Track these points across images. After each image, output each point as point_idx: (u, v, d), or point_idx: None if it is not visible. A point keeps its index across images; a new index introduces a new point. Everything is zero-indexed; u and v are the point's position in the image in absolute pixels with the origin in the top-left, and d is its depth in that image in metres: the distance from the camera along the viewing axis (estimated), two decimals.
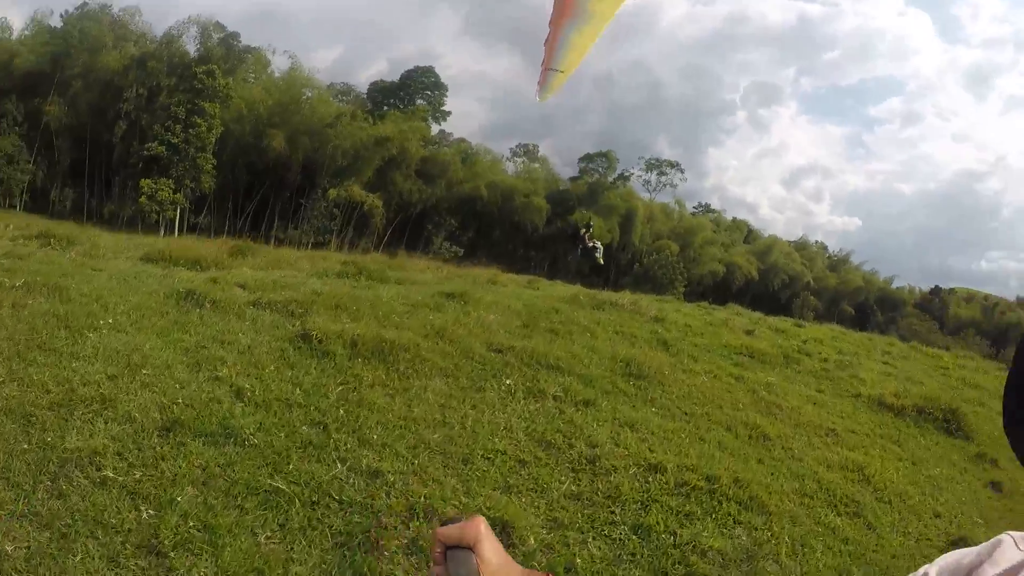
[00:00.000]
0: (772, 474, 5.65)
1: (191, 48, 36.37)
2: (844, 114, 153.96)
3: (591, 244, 21.36)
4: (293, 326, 6.70)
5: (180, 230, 34.62)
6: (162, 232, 32.36)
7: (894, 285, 64.54)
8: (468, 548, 0.88)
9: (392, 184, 41.01)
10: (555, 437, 5.21)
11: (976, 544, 0.79)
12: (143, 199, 32.14)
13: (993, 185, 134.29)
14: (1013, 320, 59.40)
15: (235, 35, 38.48)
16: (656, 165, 57.34)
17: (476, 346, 6.98)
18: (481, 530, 0.88)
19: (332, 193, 38.39)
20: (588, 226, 23.66)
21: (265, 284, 8.67)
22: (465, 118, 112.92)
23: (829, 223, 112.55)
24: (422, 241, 44.43)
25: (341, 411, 4.93)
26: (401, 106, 48.04)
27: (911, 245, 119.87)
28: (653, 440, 5.62)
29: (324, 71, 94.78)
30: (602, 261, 19.69)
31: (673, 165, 57.76)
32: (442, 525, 0.91)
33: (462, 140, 52.86)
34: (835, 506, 5.39)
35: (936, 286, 67.43)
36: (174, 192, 33.26)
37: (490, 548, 0.88)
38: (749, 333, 12.00)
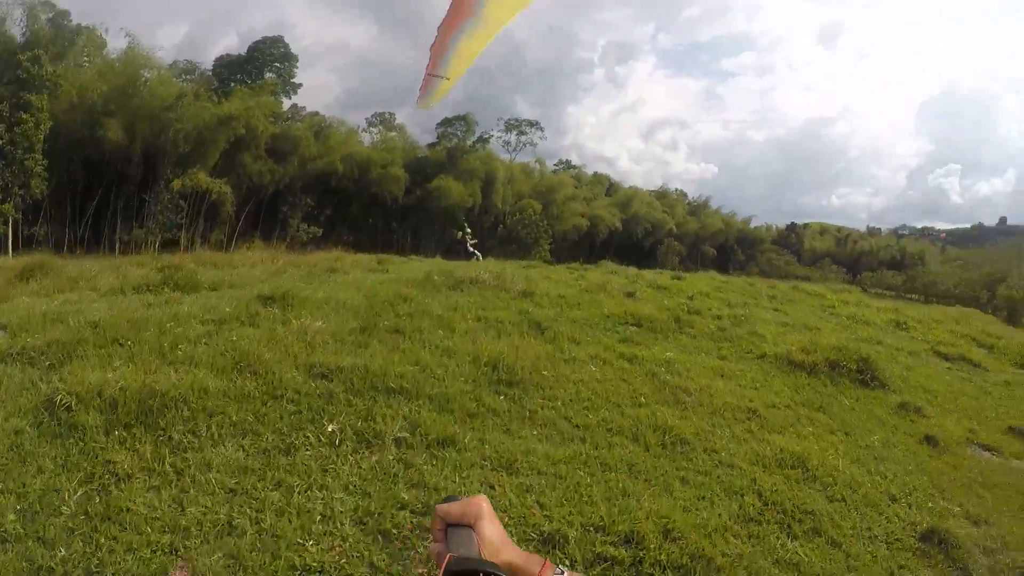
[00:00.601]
0: (703, 498, 4.24)
1: (17, 33, 29.89)
2: (700, 68, 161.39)
3: (471, 249, 22.57)
4: (48, 385, 4.46)
5: (15, 247, 28.67)
6: None
7: (752, 225, 67.97)
8: (468, 526, 0.88)
9: (241, 167, 36.70)
10: (399, 519, 3.40)
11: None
12: None
13: (840, 129, 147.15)
14: (865, 248, 64.76)
15: (65, 13, 32.02)
16: (516, 125, 55.67)
17: (290, 375, 4.98)
18: (483, 508, 0.90)
19: (176, 183, 33.46)
20: (464, 230, 24.90)
21: (33, 321, 6.20)
22: (320, 91, 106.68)
23: (687, 171, 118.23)
24: (278, 225, 40.40)
25: (64, 548, 2.96)
26: (249, 81, 43.20)
27: (765, 187, 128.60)
28: (541, 485, 3.97)
29: (170, 49, 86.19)
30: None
31: (532, 124, 56.33)
32: (443, 502, 0.92)
33: (316, 114, 48.41)
34: (788, 527, 4.12)
35: (792, 223, 71.66)
36: (1, 203, 27.50)
37: (490, 527, 0.89)
38: (630, 296, 10.77)
